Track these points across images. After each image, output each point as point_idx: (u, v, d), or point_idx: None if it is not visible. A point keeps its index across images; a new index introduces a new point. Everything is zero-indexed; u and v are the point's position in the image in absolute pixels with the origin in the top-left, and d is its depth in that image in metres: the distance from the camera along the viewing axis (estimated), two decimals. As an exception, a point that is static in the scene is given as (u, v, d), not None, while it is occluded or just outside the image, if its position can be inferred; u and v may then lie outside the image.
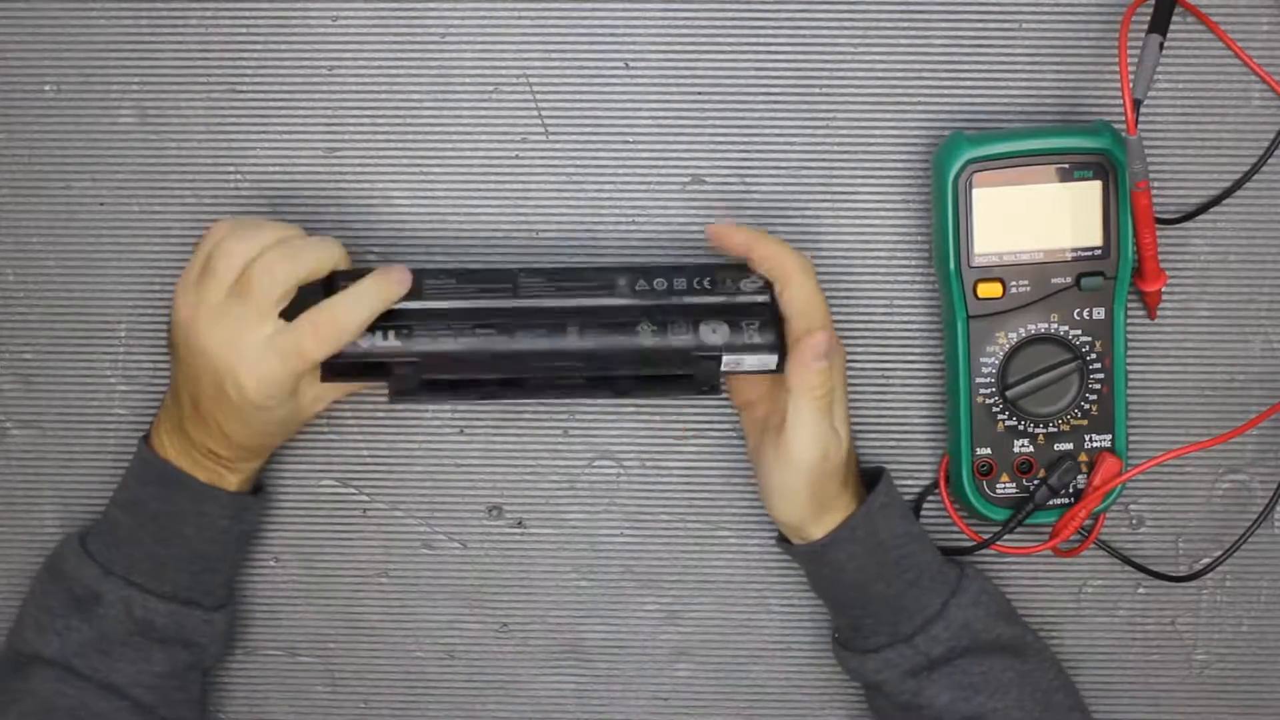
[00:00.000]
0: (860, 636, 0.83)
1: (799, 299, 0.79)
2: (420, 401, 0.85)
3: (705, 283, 0.80)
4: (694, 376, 0.80)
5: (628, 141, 0.86)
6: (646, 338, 0.79)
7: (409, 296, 0.79)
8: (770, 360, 0.79)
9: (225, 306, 0.77)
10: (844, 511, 0.81)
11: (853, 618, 0.83)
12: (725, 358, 0.79)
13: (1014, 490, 0.85)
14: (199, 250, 0.80)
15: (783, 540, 0.85)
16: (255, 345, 0.77)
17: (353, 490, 0.89)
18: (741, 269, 0.81)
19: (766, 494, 0.82)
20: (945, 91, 0.86)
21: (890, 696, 0.82)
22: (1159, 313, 0.87)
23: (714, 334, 0.79)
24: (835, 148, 0.86)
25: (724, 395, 0.86)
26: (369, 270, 0.79)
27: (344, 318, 0.77)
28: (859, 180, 0.86)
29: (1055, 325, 0.83)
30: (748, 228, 0.82)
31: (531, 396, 0.82)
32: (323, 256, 0.79)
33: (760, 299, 0.80)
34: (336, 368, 0.79)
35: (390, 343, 0.78)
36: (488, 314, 0.79)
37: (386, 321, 0.78)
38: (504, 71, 0.86)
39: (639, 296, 0.80)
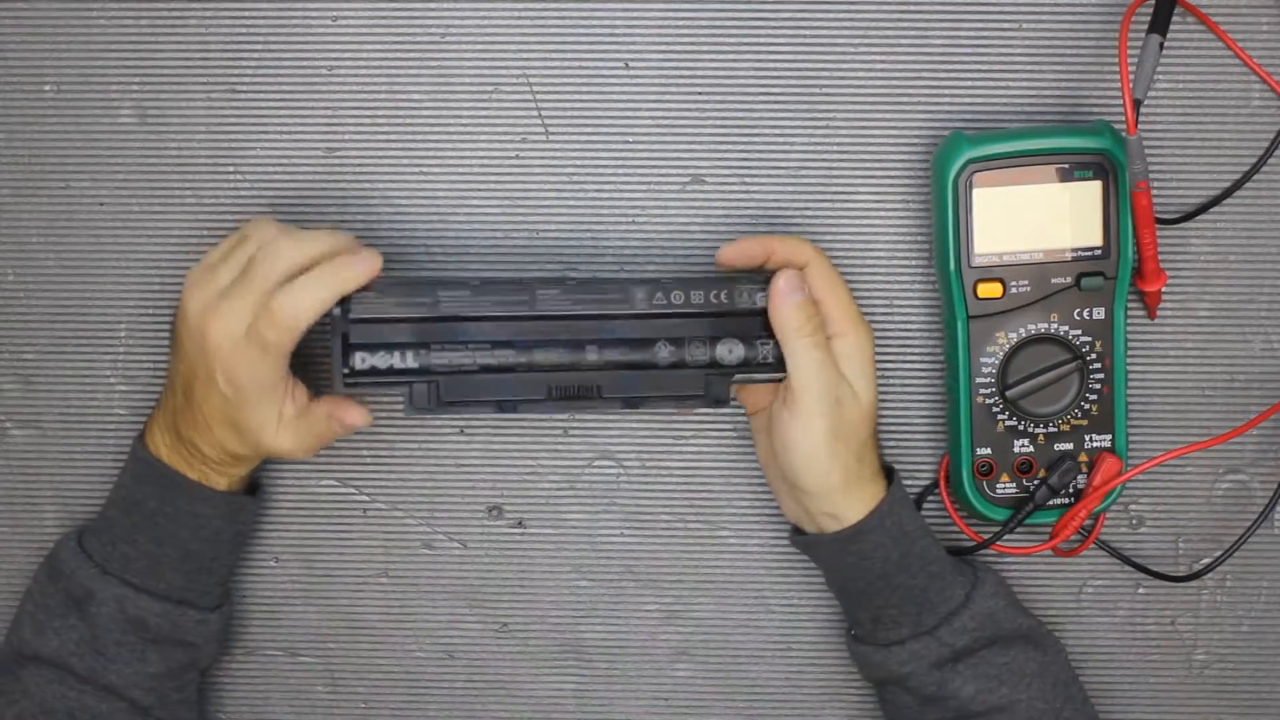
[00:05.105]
0: (882, 629, 0.83)
1: (821, 277, 0.80)
2: (436, 415, 0.85)
3: (722, 296, 0.80)
4: (705, 395, 0.80)
5: (628, 141, 0.86)
6: (663, 356, 0.79)
7: (425, 308, 0.79)
8: (779, 375, 0.80)
9: (237, 303, 0.77)
10: (870, 485, 0.81)
11: (874, 610, 0.82)
12: (737, 375, 0.80)
13: (1014, 490, 0.85)
14: (237, 246, 0.79)
15: (798, 535, 0.85)
16: (240, 334, 0.77)
17: (353, 490, 0.89)
18: (756, 280, 0.80)
19: (789, 462, 0.80)
20: (945, 91, 0.86)
21: (914, 690, 0.82)
22: (1159, 313, 0.87)
23: (730, 354, 0.80)
24: (835, 148, 0.86)
25: (732, 399, 0.86)
26: (387, 287, 0.79)
27: (298, 303, 0.76)
28: (859, 180, 0.86)
29: (1055, 325, 0.83)
30: (751, 236, 0.82)
31: (546, 411, 0.82)
32: (350, 278, 0.78)
33: None
34: (351, 381, 0.79)
35: (407, 364, 0.78)
36: (505, 327, 0.79)
37: (403, 339, 0.78)
38: (504, 71, 0.86)
39: (655, 310, 0.80)
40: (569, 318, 0.79)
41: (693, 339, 0.80)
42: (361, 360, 0.78)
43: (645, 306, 0.80)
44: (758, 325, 0.80)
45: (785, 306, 0.79)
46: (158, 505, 0.82)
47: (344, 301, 0.78)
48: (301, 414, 0.80)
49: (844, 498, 0.80)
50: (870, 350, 0.81)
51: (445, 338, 0.79)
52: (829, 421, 0.79)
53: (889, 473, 0.84)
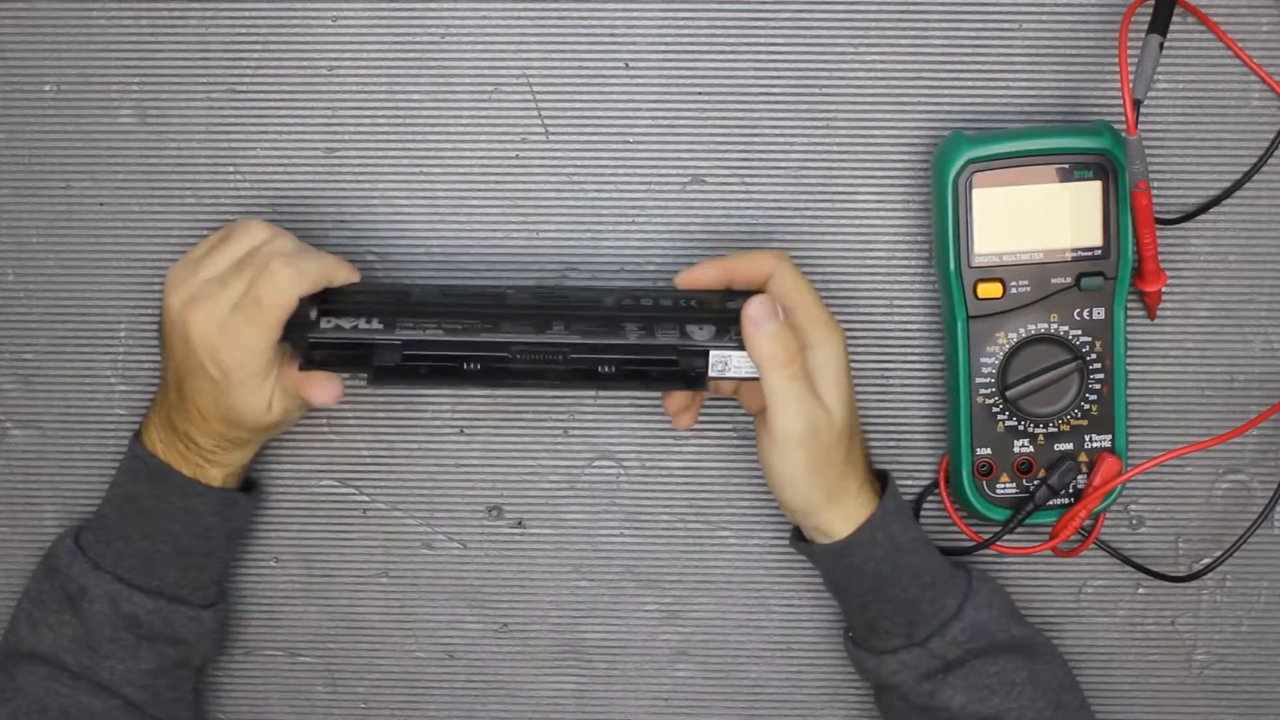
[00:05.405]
0: (876, 637, 0.83)
1: (786, 284, 0.79)
2: (400, 385, 0.85)
3: (692, 302, 0.80)
4: (678, 364, 0.79)
5: (628, 141, 0.86)
6: (633, 336, 0.79)
7: (395, 308, 0.79)
8: (758, 376, 0.79)
9: (226, 289, 0.78)
10: (856, 499, 0.81)
11: (868, 618, 0.83)
12: (712, 355, 0.79)
13: (1014, 490, 0.85)
14: (221, 243, 0.80)
15: (798, 539, 0.85)
16: (226, 314, 0.78)
17: (353, 490, 0.89)
18: (726, 292, 0.80)
19: (772, 483, 0.81)
20: (945, 91, 0.86)
21: (906, 698, 0.82)
22: (1159, 313, 0.87)
23: (700, 331, 0.79)
24: (835, 148, 0.86)
25: (733, 400, 0.86)
26: (362, 284, 0.81)
27: (298, 267, 0.78)
28: (859, 180, 0.86)
29: (1055, 325, 0.83)
30: (708, 261, 0.81)
31: (514, 387, 0.81)
32: (339, 272, 0.81)
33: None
34: (317, 350, 0.79)
35: (373, 326, 0.79)
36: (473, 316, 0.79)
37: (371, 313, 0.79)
38: (504, 71, 0.86)
39: (625, 311, 0.80)
40: (538, 314, 0.79)
41: (662, 322, 0.79)
42: (327, 322, 0.79)
43: (614, 308, 0.80)
44: (729, 320, 0.79)
45: (761, 338, 0.78)
46: (151, 501, 0.82)
47: (322, 299, 0.79)
48: (286, 388, 0.81)
49: (830, 514, 0.80)
50: (843, 354, 0.80)
51: (413, 316, 0.79)
52: (806, 452, 0.78)
53: (883, 477, 0.83)
